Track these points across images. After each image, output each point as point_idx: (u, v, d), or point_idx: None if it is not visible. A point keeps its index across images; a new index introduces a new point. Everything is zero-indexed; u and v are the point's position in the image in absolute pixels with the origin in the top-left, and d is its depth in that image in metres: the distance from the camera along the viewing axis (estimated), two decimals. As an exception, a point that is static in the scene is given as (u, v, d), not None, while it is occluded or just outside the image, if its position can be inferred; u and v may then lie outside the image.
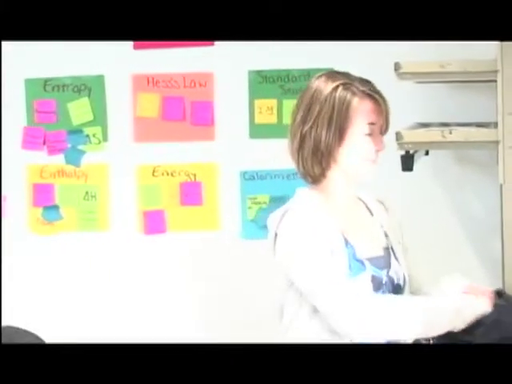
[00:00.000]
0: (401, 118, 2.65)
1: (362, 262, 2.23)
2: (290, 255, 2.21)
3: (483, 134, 2.84)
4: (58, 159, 3.52)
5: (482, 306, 2.21)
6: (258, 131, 3.45)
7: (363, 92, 2.23)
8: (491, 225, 3.20)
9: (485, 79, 2.86)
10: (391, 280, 2.27)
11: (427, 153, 3.12)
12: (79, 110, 3.51)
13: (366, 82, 2.26)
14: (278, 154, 3.40)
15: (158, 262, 3.48)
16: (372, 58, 3.15)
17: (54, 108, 3.52)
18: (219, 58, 3.42)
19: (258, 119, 3.45)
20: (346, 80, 2.24)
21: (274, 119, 3.44)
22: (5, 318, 2.86)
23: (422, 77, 2.96)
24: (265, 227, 3.36)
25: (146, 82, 3.48)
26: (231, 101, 3.44)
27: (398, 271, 2.30)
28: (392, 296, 2.23)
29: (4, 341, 2.13)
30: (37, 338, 2.19)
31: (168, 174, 3.49)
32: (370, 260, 2.25)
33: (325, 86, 2.23)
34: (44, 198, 3.53)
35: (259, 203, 3.44)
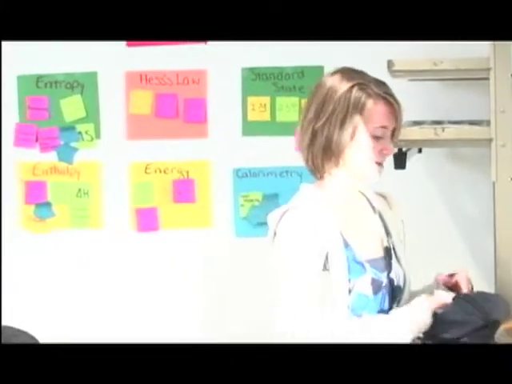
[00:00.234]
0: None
1: (362, 265, 2.22)
2: (282, 258, 2.19)
3: (476, 131, 2.85)
4: (51, 156, 3.51)
5: (440, 298, 2.19)
6: (250, 128, 3.45)
7: (378, 95, 2.21)
8: (484, 222, 3.20)
9: (477, 77, 2.86)
10: (391, 282, 2.27)
11: (420, 151, 3.12)
12: (72, 107, 3.50)
13: (381, 84, 2.24)
14: (271, 152, 3.43)
15: (151, 260, 3.48)
16: (365, 55, 3.14)
17: (46, 105, 3.51)
18: (212, 55, 3.41)
19: (250, 116, 3.45)
20: (362, 80, 2.22)
21: (267, 116, 3.43)
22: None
23: (415, 74, 2.96)
24: (258, 225, 3.40)
25: (138, 79, 3.48)
26: (224, 98, 3.44)
27: (398, 273, 2.29)
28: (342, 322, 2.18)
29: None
30: (32, 337, 2.18)
31: (161, 172, 3.48)
32: (370, 262, 2.24)
33: (339, 85, 2.22)
34: (36, 196, 3.52)
35: (252, 201, 3.44)
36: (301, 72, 3.35)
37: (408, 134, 2.85)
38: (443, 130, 2.84)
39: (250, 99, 3.44)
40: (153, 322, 3.46)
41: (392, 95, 2.24)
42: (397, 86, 2.32)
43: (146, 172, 3.49)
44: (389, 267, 2.27)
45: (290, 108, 3.40)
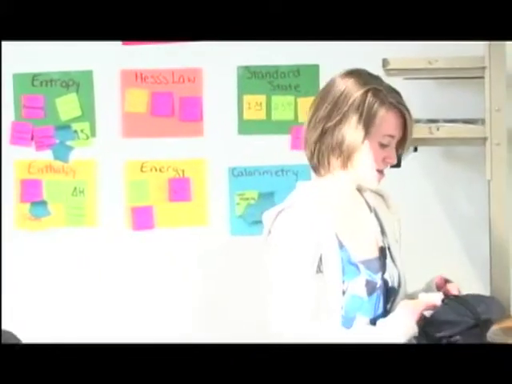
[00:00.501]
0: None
1: (356, 266, 2.22)
2: (276, 258, 2.19)
3: (471, 130, 2.85)
4: (46, 155, 3.51)
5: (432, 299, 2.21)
6: (246, 127, 3.45)
7: (391, 103, 2.22)
8: (479, 221, 3.20)
9: (472, 76, 2.87)
10: (385, 283, 2.27)
11: (415, 149, 3.12)
12: (67, 106, 3.50)
13: (394, 93, 2.26)
14: (267, 150, 3.43)
15: (146, 258, 3.48)
16: (360, 54, 3.14)
17: (41, 103, 3.50)
18: (208, 53, 3.41)
19: (246, 115, 3.45)
20: (376, 86, 2.23)
21: (262, 115, 3.43)
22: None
23: (410, 73, 2.96)
24: (253, 223, 3.40)
25: (134, 78, 3.47)
26: (220, 96, 3.44)
27: (393, 273, 2.29)
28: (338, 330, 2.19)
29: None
30: (15, 337, 2.17)
31: (156, 170, 3.48)
32: (365, 263, 2.24)
33: (354, 88, 2.22)
34: (32, 194, 3.51)
35: (247, 199, 3.44)
36: (296, 71, 3.35)
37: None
38: (438, 129, 2.85)
39: (246, 98, 3.44)
40: (148, 320, 3.46)
41: (404, 105, 2.25)
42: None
43: (141, 170, 3.49)
44: (383, 268, 2.28)
45: (285, 107, 3.40)
